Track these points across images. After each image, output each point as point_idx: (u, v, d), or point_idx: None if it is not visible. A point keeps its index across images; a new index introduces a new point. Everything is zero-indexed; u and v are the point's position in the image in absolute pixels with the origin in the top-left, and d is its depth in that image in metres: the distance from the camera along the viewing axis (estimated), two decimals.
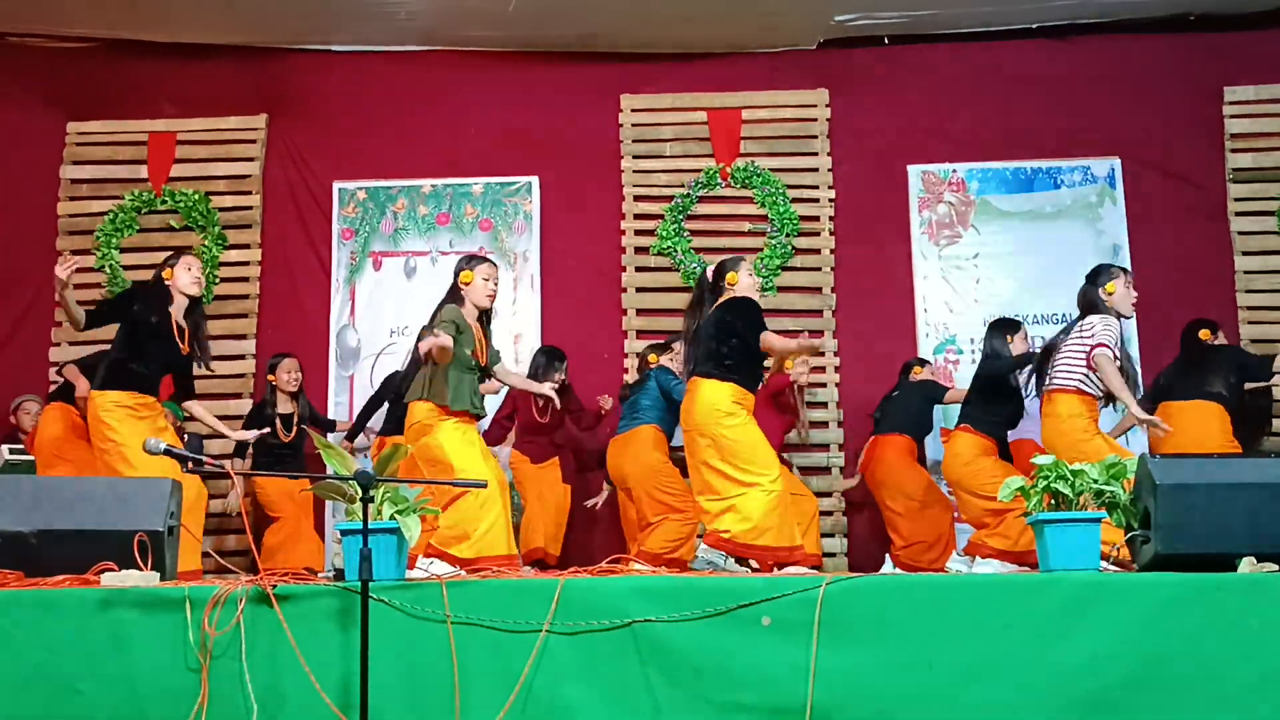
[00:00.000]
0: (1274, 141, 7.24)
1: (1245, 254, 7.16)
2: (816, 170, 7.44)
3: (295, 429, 6.51)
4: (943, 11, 7.14)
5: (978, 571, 5.51)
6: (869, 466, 6.54)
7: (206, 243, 7.38)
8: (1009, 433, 5.98)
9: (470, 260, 5.03)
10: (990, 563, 5.65)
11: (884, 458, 6.45)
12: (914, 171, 7.42)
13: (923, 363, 6.72)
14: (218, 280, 7.37)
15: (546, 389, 5.36)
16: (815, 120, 7.48)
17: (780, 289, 7.28)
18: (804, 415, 6.61)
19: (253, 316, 7.36)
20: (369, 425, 6.73)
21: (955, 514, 6.32)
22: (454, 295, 4.96)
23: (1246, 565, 3.41)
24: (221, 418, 6.95)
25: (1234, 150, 7.26)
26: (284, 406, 6.54)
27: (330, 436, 7.01)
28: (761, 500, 4.89)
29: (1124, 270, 5.37)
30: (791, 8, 7.00)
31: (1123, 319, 5.26)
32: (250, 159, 7.53)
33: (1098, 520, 3.65)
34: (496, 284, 5.00)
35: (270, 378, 6.57)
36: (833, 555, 6.97)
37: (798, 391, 6.52)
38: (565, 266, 7.38)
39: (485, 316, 5.04)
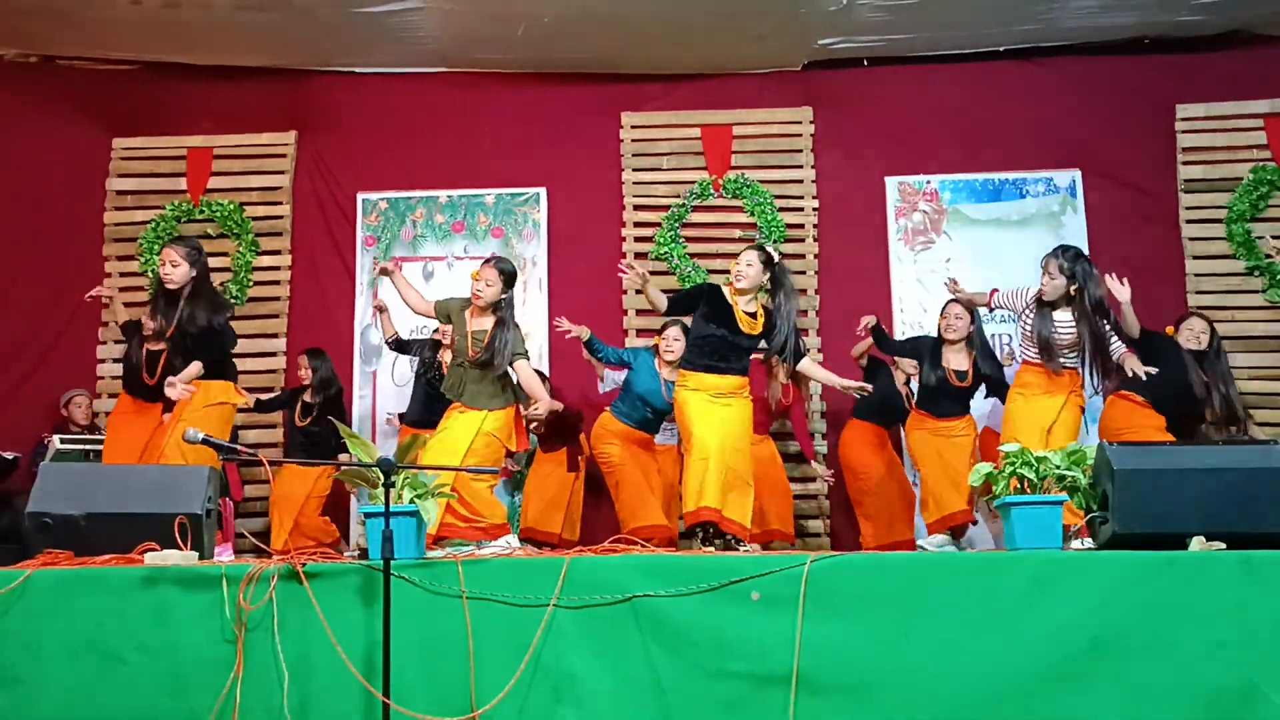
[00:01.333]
0: (1222, 155, 7.22)
1: (1195, 258, 7.15)
2: (801, 182, 7.43)
3: (310, 418, 6.50)
4: (918, 36, 7.13)
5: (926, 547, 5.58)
6: (840, 450, 6.56)
7: (241, 249, 7.38)
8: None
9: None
10: (934, 538, 5.73)
11: (843, 442, 6.50)
12: (891, 183, 7.41)
13: None
14: (251, 284, 7.37)
15: (544, 404, 5.03)
16: (800, 135, 7.47)
17: None
18: (774, 392, 6.50)
19: (283, 317, 7.36)
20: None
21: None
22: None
23: (1196, 544, 3.41)
24: (252, 410, 7.06)
25: (1185, 163, 7.24)
26: (309, 396, 6.56)
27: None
28: (685, 477, 4.95)
29: (1050, 256, 5.19)
30: (778, 32, 6.98)
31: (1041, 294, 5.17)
32: (281, 172, 7.53)
33: (1059, 503, 3.65)
34: (486, 283, 4.93)
35: (301, 371, 6.67)
36: (816, 535, 6.97)
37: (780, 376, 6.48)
38: (570, 270, 7.37)
39: (496, 315, 4.97)
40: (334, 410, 6.38)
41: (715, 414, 4.96)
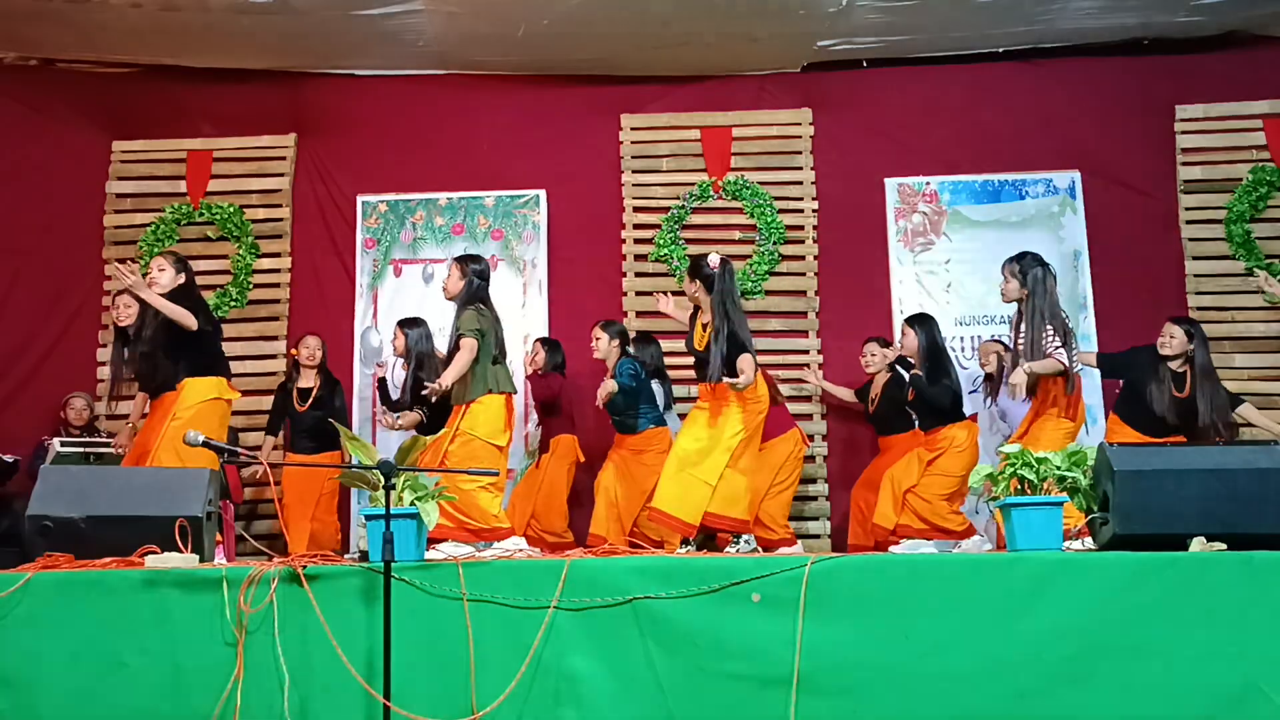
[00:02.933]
0: (1222, 156, 7.22)
1: (1195, 259, 7.15)
2: (801, 183, 7.43)
3: (311, 401, 6.49)
4: (917, 37, 7.13)
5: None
6: None
7: (241, 252, 7.38)
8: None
9: None
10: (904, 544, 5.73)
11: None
12: (890, 184, 7.40)
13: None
14: (251, 286, 7.37)
15: (442, 381, 4.95)
16: (800, 137, 7.47)
17: (768, 293, 7.29)
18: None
19: (283, 320, 7.36)
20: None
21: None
22: None
23: (1197, 545, 3.42)
24: (253, 413, 7.07)
25: (1185, 164, 7.25)
26: (305, 380, 6.56)
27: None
28: None
29: (1008, 260, 5.31)
30: (777, 34, 6.98)
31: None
32: (281, 175, 7.52)
33: (1060, 504, 3.65)
34: (447, 276, 5.17)
35: (293, 351, 6.64)
36: (816, 537, 6.97)
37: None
38: (570, 273, 7.37)
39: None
40: (335, 393, 6.49)
41: (689, 419, 5.28)
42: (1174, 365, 5.42)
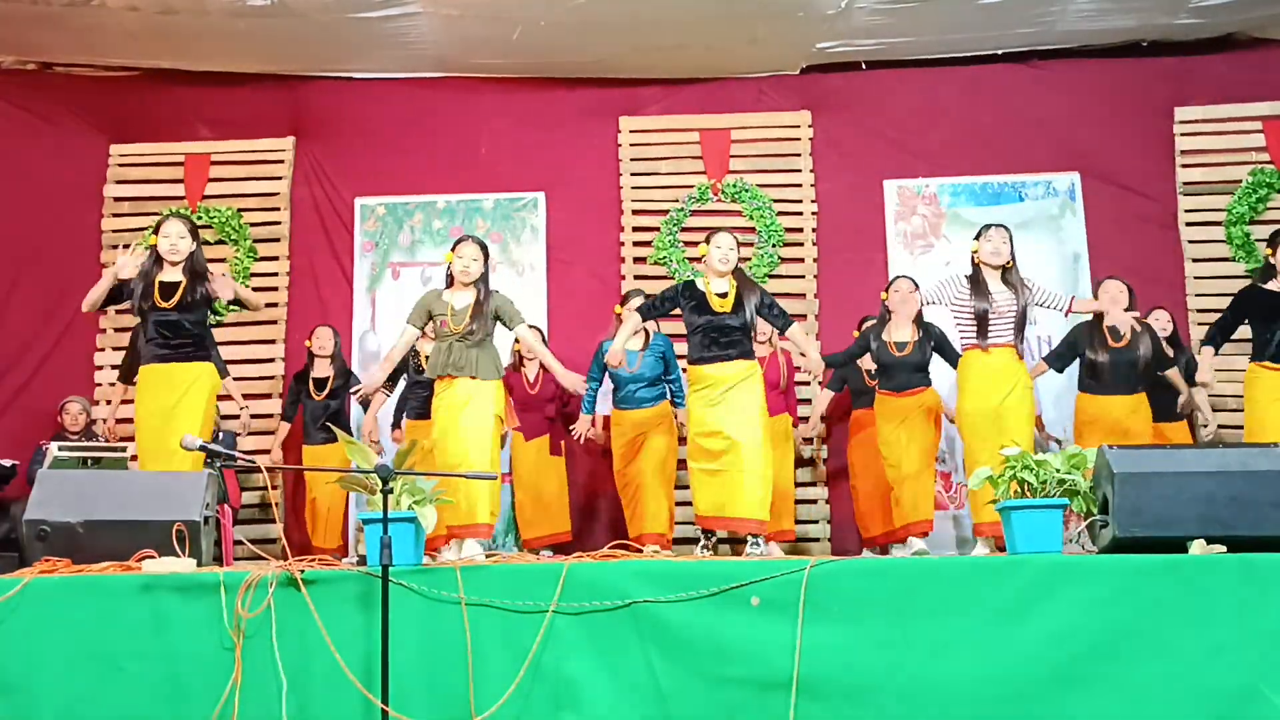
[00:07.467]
0: (1221, 157, 7.22)
1: (1195, 260, 7.16)
2: (800, 186, 7.43)
3: (327, 391, 6.51)
4: (916, 39, 7.14)
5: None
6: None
7: (239, 255, 7.38)
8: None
9: (454, 244, 5.10)
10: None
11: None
12: (890, 186, 7.42)
13: None
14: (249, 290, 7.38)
15: (570, 379, 5.11)
16: (799, 139, 7.47)
17: None
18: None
19: (281, 323, 7.35)
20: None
21: None
22: (447, 279, 5.09)
23: (1197, 547, 3.42)
24: (252, 417, 7.06)
25: (1184, 165, 7.25)
26: (319, 370, 6.57)
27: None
28: None
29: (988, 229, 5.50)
30: (776, 36, 6.99)
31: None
32: (279, 178, 7.53)
33: (1060, 507, 3.65)
34: (471, 260, 4.99)
35: (307, 343, 6.66)
36: (816, 540, 6.96)
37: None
38: (569, 275, 7.37)
39: (478, 290, 5.01)
40: (349, 384, 6.52)
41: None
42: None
